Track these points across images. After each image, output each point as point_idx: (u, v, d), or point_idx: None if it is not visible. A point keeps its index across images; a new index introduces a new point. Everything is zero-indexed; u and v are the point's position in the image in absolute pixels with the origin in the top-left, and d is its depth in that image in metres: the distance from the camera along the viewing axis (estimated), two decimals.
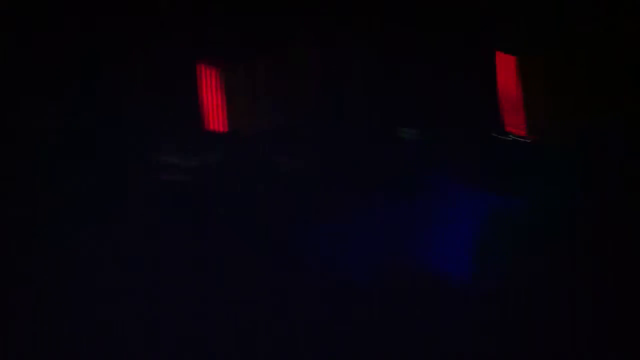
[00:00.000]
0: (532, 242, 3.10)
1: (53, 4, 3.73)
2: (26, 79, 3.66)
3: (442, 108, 3.52)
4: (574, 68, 3.59)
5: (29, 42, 3.73)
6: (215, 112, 3.65)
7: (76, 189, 3.09)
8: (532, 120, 3.46)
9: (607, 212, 3.15)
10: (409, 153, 3.12)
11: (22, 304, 2.94)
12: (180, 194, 3.25)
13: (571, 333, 2.97)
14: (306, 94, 3.72)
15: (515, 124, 3.46)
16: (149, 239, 3.07)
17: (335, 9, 3.78)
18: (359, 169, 3.15)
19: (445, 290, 2.97)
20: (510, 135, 3.43)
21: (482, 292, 3.01)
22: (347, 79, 3.73)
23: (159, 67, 3.72)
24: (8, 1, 3.77)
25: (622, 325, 2.99)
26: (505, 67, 3.64)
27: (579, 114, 3.55)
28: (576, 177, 3.26)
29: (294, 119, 3.55)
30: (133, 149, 3.24)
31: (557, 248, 3.09)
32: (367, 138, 3.22)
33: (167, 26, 3.81)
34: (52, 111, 3.49)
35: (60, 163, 3.16)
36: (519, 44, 3.53)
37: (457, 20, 3.75)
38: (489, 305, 3.00)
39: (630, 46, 3.62)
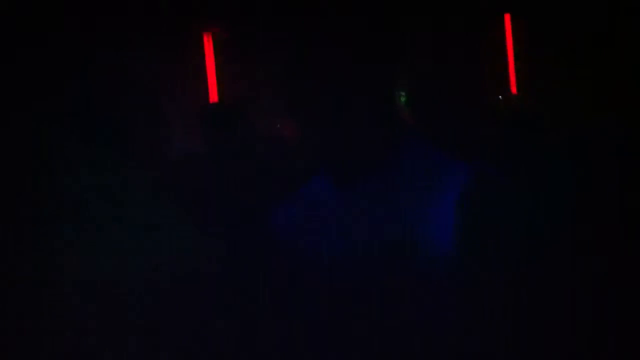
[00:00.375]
0: (532, 242, 3.10)
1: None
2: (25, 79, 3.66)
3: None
4: (575, 67, 3.60)
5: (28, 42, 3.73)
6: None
7: (75, 189, 3.09)
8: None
9: (607, 212, 3.15)
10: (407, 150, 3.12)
11: (21, 304, 2.94)
12: (182, 191, 3.26)
13: (571, 333, 2.97)
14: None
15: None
16: (148, 238, 3.07)
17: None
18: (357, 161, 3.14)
19: (442, 288, 2.97)
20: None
21: (480, 292, 3.01)
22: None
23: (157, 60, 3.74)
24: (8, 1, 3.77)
25: (622, 325, 2.99)
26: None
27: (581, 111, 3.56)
28: (576, 177, 3.26)
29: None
30: (133, 147, 3.24)
31: (557, 248, 3.09)
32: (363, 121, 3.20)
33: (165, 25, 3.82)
34: (51, 110, 3.49)
35: (59, 163, 3.16)
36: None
37: None
38: (488, 305, 3.00)
39: (631, 46, 3.62)
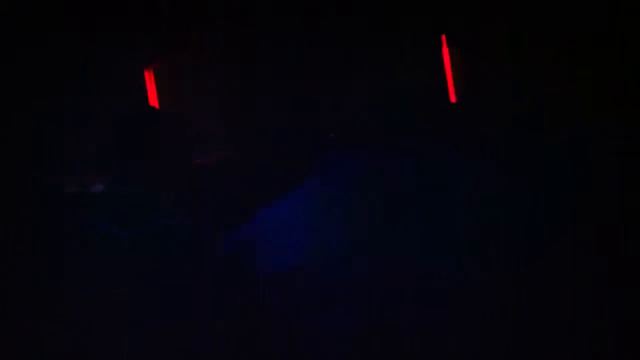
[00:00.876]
0: (532, 242, 3.10)
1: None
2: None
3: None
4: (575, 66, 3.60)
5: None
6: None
7: (74, 189, 3.09)
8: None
9: (607, 212, 3.15)
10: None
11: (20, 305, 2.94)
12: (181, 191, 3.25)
13: (571, 333, 2.97)
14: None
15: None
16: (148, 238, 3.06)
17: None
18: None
19: (437, 287, 2.98)
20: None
21: (480, 292, 3.01)
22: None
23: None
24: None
25: (622, 325, 2.99)
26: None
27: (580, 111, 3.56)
28: (576, 177, 3.26)
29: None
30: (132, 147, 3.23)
31: (557, 248, 3.09)
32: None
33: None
34: (51, 110, 3.49)
35: (59, 163, 3.16)
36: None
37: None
38: (489, 305, 3.00)
39: (631, 46, 3.62)
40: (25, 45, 3.80)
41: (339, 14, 3.93)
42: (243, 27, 3.97)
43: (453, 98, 4.01)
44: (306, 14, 3.93)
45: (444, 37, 4.00)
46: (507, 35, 3.73)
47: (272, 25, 3.92)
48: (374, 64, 3.93)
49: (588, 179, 3.23)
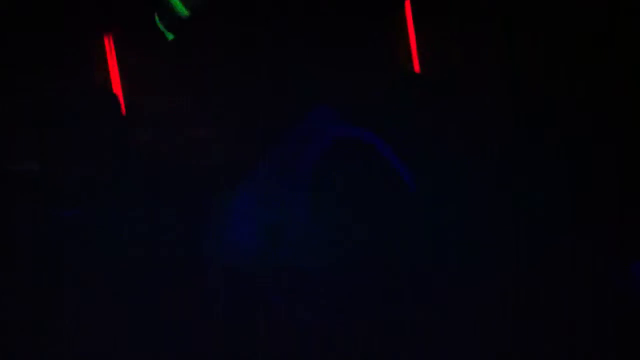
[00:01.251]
0: (532, 242, 3.10)
1: None
2: None
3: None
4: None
5: None
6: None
7: (74, 187, 3.09)
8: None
9: (607, 212, 3.15)
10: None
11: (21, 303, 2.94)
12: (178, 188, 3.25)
13: (571, 333, 2.97)
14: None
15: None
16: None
17: None
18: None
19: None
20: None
21: (480, 292, 3.01)
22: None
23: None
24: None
25: (622, 324, 2.99)
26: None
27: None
28: (576, 177, 3.26)
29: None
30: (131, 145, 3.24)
31: (557, 248, 3.09)
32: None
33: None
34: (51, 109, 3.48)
35: (59, 162, 3.16)
36: None
37: None
38: (489, 305, 3.00)
39: (631, 46, 3.63)
40: (25, 45, 3.80)
41: (339, 14, 3.94)
42: (243, 27, 3.97)
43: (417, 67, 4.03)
44: (306, 14, 3.93)
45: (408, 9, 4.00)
46: (507, 34, 3.74)
47: (272, 25, 3.92)
48: (373, 63, 3.94)
49: (588, 179, 3.23)
